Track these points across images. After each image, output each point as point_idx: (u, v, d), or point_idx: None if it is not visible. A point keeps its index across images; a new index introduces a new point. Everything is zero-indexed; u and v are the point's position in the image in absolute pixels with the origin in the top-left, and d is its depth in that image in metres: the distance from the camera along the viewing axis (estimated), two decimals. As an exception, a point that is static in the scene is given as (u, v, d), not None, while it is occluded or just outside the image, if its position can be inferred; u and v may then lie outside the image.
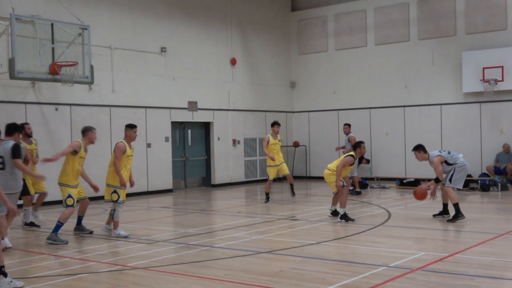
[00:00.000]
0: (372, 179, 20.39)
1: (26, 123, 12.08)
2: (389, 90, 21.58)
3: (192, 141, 20.56)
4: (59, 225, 9.91)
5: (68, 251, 9.20)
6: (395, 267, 7.49)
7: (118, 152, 10.20)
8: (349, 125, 18.18)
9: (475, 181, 18.02)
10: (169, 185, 19.20)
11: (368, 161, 20.90)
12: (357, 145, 11.99)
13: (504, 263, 7.76)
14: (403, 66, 21.33)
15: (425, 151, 11.84)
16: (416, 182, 18.89)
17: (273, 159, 15.08)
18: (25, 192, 10.95)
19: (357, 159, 12.22)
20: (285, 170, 15.46)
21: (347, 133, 17.97)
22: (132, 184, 10.67)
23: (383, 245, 9.10)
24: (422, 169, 20.38)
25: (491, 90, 19.04)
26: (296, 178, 23.51)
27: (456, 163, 11.63)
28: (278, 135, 15.46)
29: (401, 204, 14.71)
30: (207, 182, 20.98)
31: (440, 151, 11.83)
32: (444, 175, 11.73)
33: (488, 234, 9.91)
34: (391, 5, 21.62)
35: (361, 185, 18.43)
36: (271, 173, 15.31)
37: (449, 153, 11.75)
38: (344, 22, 22.70)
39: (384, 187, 18.81)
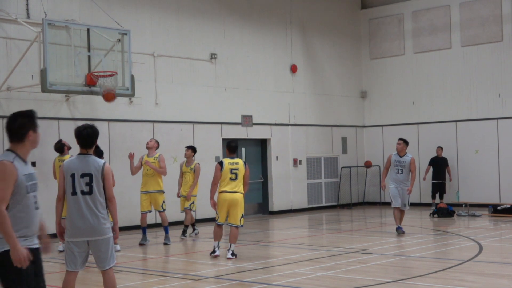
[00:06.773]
0: (459, 205, 19.97)
1: None
2: (479, 100, 21.15)
3: (246, 161, 20.56)
4: None
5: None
6: (489, 311, 7.32)
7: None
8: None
9: None
10: (220, 212, 19.29)
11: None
12: None
13: None
14: (496, 71, 20.89)
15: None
16: (513, 209, 18.44)
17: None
18: None
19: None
20: None
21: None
22: None
23: (473, 284, 8.93)
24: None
25: None
26: (368, 204, 23.28)
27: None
28: None
29: (494, 235, 14.40)
30: (263, 209, 21.03)
31: None
32: (399, 198, 14.47)
33: None
34: (480, -1, 21.31)
35: (447, 213, 18.14)
36: None
37: None
38: (424, 21, 22.46)
39: (474, 215, 18.41)
